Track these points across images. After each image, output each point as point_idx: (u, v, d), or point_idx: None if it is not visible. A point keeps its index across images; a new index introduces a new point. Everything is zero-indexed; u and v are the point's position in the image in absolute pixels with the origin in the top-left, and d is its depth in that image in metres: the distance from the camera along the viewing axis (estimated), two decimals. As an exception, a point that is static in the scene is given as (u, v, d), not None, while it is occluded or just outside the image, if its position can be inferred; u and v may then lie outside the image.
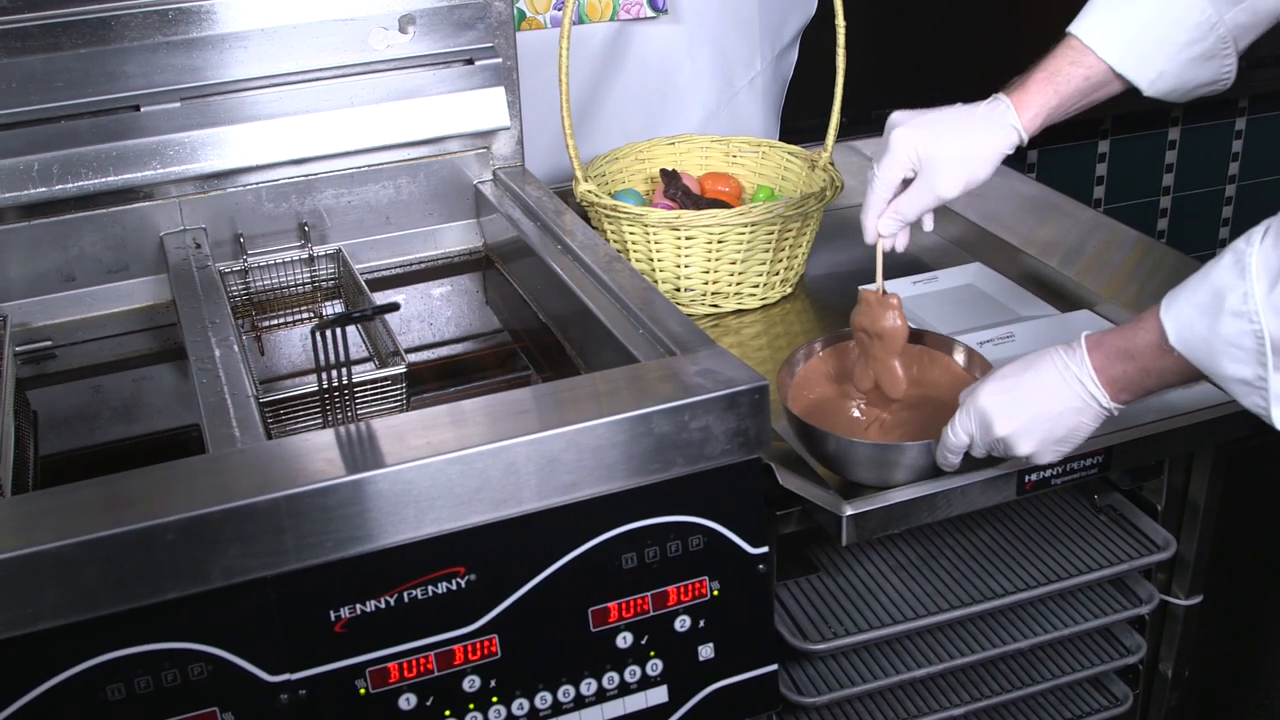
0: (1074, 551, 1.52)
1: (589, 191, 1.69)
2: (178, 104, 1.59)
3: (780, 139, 2.03)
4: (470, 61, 1.71)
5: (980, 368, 1.33)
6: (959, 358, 1.37)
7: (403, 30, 1.66)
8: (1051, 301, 1.64)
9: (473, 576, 1.09)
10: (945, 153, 1.33)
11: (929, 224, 1.41)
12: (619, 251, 1.54)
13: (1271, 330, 1.04)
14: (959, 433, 1.21)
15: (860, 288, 1.38)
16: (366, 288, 1.53)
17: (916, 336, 1.39)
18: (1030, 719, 1.58)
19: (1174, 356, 1.12)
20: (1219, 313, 1.07)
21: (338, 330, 1.20)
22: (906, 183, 1.35)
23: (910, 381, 1.36)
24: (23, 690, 0.98)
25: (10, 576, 0.94)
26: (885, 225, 1.37)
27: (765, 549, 1.20)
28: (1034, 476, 1.30)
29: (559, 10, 1.93)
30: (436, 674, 1.11)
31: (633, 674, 1.18)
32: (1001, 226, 1.81)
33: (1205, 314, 1.09)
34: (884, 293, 1.35)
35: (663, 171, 1.84)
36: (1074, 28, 1.34)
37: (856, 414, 1.37)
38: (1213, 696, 1.69)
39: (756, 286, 1.70)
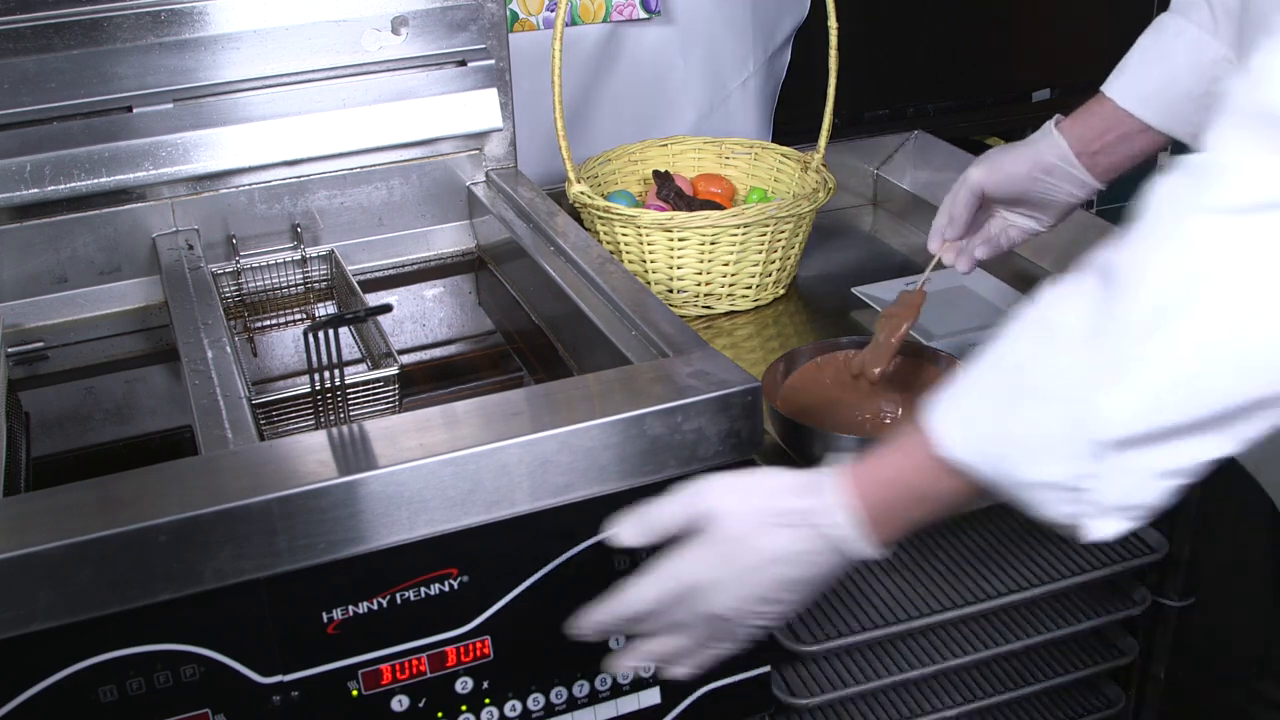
0: (1066, 553, 1.52)
1: (582, 193, 1.69)
2: (170, 105, 1.59)
3: (773, 140, 2.03)
4: (463, 63, 1.71)
5: None
6: (945, 367, 1.38)
7: (395, 32, 1.66)
8: (1043, 303, 1.64)
9: (465, 578, 1.09)
10: (997, 150, 1.40)
11: (982, 250, 1.46)
12: (612, 253, 1.54)
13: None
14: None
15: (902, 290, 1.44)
16: (359, 289, 1.53)
17: (919, 352, 1.40)
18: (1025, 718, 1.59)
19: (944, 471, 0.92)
20: (1021, 401, 0.88)
21: (330, 332, 1.20)
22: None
23: (900, 388, 1.37)
24: (15, 692, 0.98)
25: (2, 578, 0.94)
26: (933, 239, 1.47)
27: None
28: (1026, 478, 1.30)
29: (552, 11, 1.93)
30: (429, 675, 1.11)
31: (625, 675, 1.18)
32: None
33: (1001, 406, 0.90)
34: (920, 290, 1.41)
35: (655, 173, 1.84)
36: (1106, 88, 1.35)
37: (845, 420, 1.38)
38: (1203, 698, 1.69)
39: (749, 288, 1.70)
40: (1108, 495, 0.86)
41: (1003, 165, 1.37)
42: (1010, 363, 0.91)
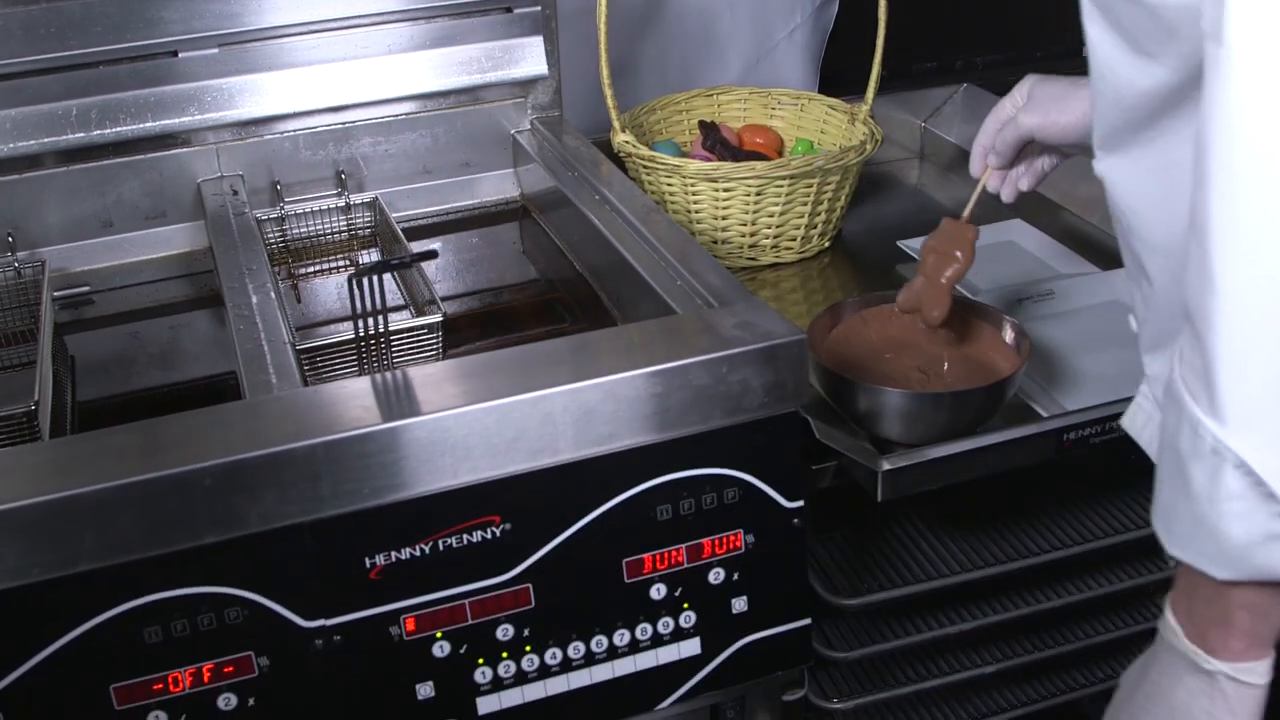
0: (1110, 511, 1.51)
1: (626, 142, 1.68)
2: (216, 50, 1.59)
3: (819, 92, 2.01)
4: (509, 9, 1.70)
5: (1025, 347, 1.32)
6: (1007, 334, 1.35)
7: (442, -23, 1.65)
8: (1092, 259, 1.63)
9: (508, 526, 1.09)
10: (1045, 90, 1.33)
11: (1025, 181, 1.41)
12: (656, 203, 1.53)
13: (1243, 447, 0.79)
14: None
15: (945, 217, 1.38)
16: (403, 236, 1.53)
17: (968, 307, 1.38)
18: (1061, 679, 1.58)
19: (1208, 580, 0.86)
20: (1183, 472, 0.83)
21: (374, 278, 1.20)
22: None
23: (951, 344, 1.36)
24: (62, 631, 0.98)
25: (49, 519, 0.94)
26: (976, 163, 1.40)
27: (800, 503, 1.19)
28: (1073, 435, 1.29)
29: (598, -41, 1.92)
30: (470, 622, 1.11)
31: (665, 626, 1.18)
32: (1043, 183, 1.79)
33: (1176, 488, 0.85)
34: (966, 222, 1.35)
35: (701, 123, 1.83)
36: None
37: (889, 374, 1.36)
38: None
39: (794, 240, 1.69)
40: None
41: (1057, 118, 1.32)
42: (1167, 440, 0.86)
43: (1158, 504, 0.90)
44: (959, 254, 1.33)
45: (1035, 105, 1.33)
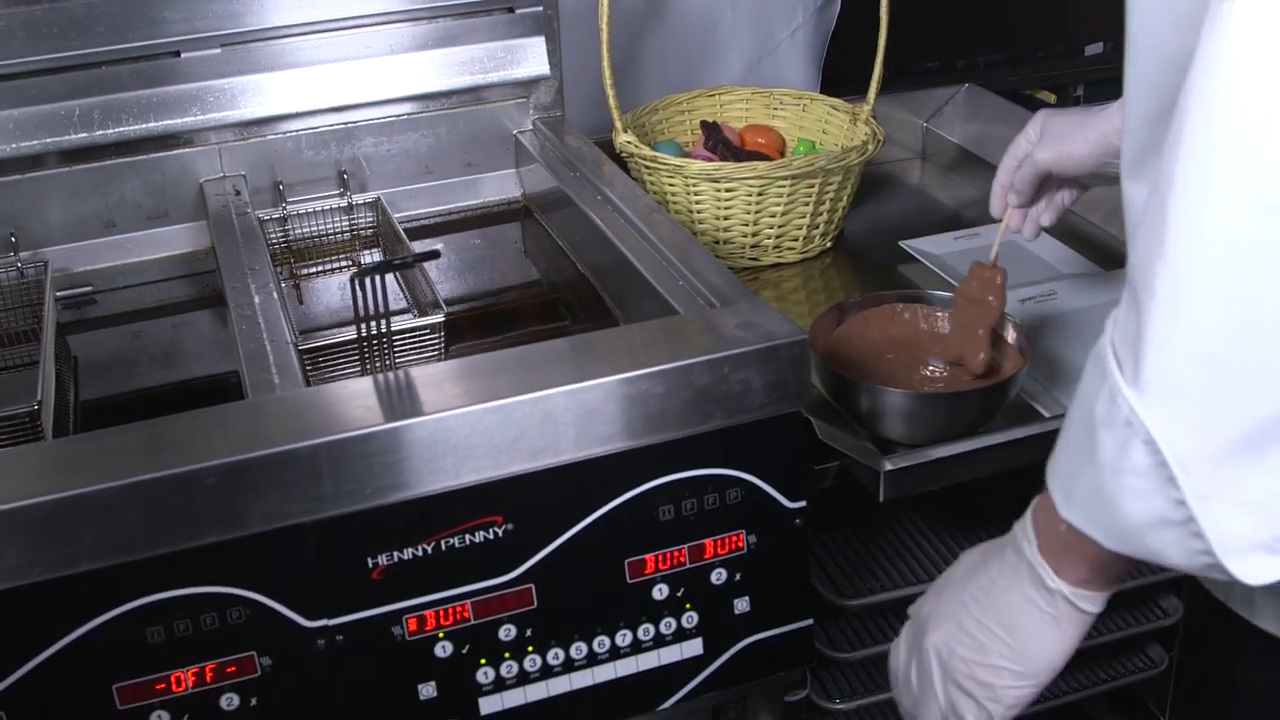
0: (1112, 511, 1.51)
1: (628, 142, 1.68)
2: (218, 50, 1.59)
3: (822, 91, 2.01)
4: (511, 10, 1.70)
5: (1028, 347, 1.31)
6: (1010, 334, 1.35)
7: (444, -23, 1.65)
8: (1094, 259, 1.63)
9: (510, 526, 1.09)
10: (1057, 123, 1.33)
11: (1047, 217, 1.41)
12: (658, 203, 1.53)
13: (1156, 424, 0.76)
14: (896, 648, 1.08)
15: (974, 262, 1.37)
16: (405, 236, 1.53)
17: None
18: (1062, 679, 1.58)
19: (1080, 537, 0.88)
20: (1093, 437, 0.82)
21: (377, 278, 1.20)
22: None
23: (949, 345, 1.36)
24: (64, 631, 0.98)
25: (52, 519, 0.94)
26: (996, 204, 1.40)
27: (803, 503, 1.19)
28: (1075, 435, 1.28)
29: (601, -41, 1.92)
30: (472, 622, 1.11)
31: (668, 626, 1.18)
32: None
33: (1082, 452, 0.84)
34: (994, 265, 1.34)
35: (703, 123, 1.83)
36: None
37: (891, 374, 1.36)
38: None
39: (796, 240, 1.69)
40: (1227, 525, 0.77)
41: (1071, 151, 1.31)
42: (1082, 399, 0.85)
43: (1058, 463, 0.90)
44: (991, 299, 1.33)
45: (1049, 140, 1.32)
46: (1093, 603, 0.93)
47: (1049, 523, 0.92)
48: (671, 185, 1.65)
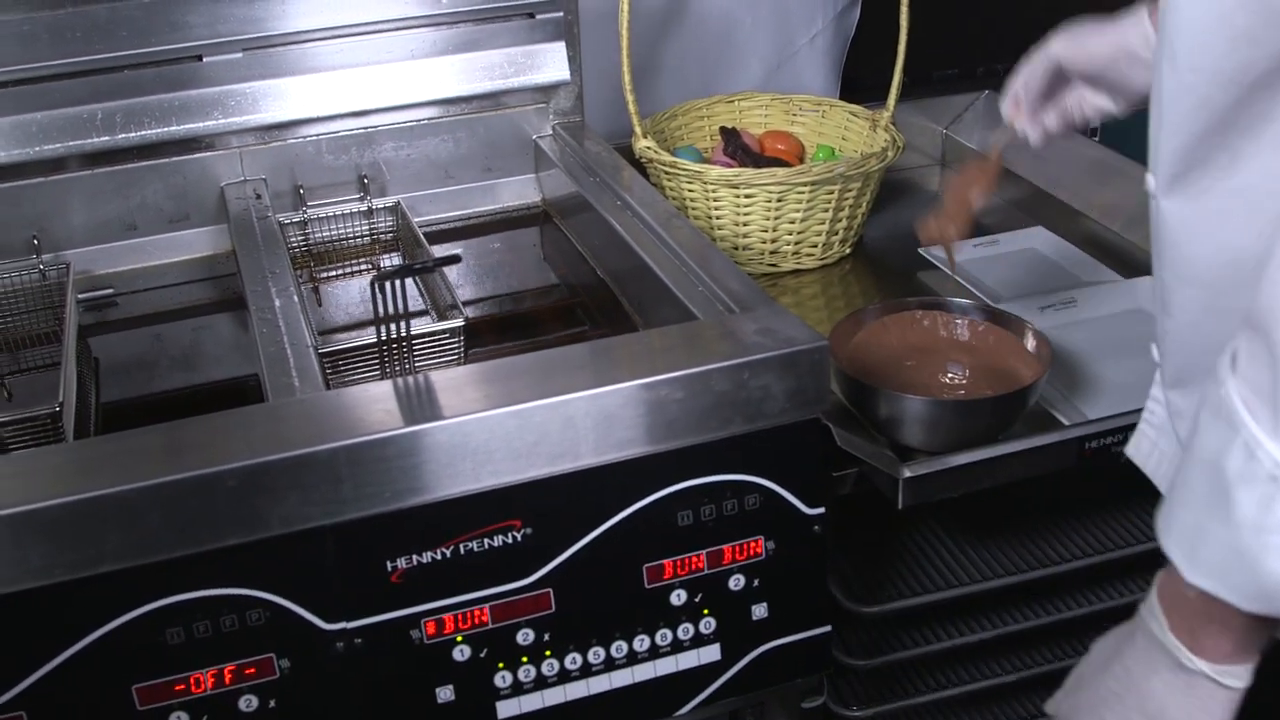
0: (1131, 520, 1.50)
1: (648, 148, 1.68)
2: (240, 55, 1.59)
3: (841, 98, 2.01)
4: (532, 15, 1.71)
5: (1047, 354, 1.31)
6: (1029, 342, 1.35)
7: (465, -17, 1.66)
8: (1114, 266, 1.63)
9: (529, 530, 1.09)
10: (1076, 25, 1.31)
11: (1053, 119, 1.39)
12: (677, 209, 1.53)
13: None
14: None
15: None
16: (425, 240, 1.53)
17: (989, 314, 1.38)
18: None
19: (1212, 604, 0.82)
20: (1225, 495, 0.77)
21: (396, 282, 1.20)
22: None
23: (970, 352, 1.36)
24: (85, 632, 0.99)
25: (73, 520, 0.95)
26: (1007, 102, 1.39)
27: (821, 510, 1.19)
28: (1094, 443, 1.28)
29: (621, -35, 1.92)
30: (490, 626, 1.11)
31: (685, 631, 1.18)
32: (1064, 190, 1.79)
33: (1211, 511, 0.80)
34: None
35: (722, 129, 1.83)
36: None
37: (910, 381, 1.36)
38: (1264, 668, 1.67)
39: (815, 246, 1.69)
40: None
41: (1086, 44, 1.30)
42: (1206, 457, 0.79)
43: (1176, 528, 0.85)
44: (978, 177, 1.35)
45: (1065, 35, 1.30)
46: (1238, 677, 0.88)
47: (1176, 596, 0.87)
48: (691, 191, 1.65)
